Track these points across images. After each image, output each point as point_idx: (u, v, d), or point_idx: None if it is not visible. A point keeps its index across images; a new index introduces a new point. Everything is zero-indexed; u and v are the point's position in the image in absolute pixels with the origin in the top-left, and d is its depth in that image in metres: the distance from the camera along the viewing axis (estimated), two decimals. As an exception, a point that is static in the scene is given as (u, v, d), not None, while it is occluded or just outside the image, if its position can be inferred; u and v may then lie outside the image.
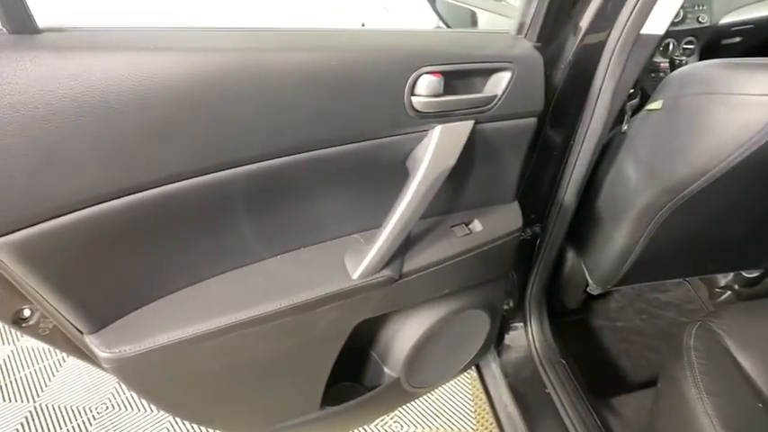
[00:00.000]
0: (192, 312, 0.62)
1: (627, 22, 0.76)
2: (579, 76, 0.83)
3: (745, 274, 1.26)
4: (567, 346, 1.19)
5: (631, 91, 0.93)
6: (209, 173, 0.54)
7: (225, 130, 0.53)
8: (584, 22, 0.80)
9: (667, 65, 1.39)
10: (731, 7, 1.42)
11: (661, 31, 0.80)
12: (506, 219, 0.86)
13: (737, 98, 0.73)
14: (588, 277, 1.13)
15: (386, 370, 0.92)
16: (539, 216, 1.04)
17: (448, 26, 1.62)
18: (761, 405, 0.78)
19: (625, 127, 0.95)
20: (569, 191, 0.96)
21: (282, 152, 0.58)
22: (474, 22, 1.43)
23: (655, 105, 0.87)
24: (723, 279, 1.31)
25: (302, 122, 0.57)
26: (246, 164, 0.56)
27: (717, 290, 1.34)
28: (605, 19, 0.79)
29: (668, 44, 1.39)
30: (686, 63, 1.41)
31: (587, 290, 1.19)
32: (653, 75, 1.39)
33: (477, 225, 0.82)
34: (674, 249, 1.09)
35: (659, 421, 0.91)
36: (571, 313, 1.34)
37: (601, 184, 1.03)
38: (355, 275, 0.69)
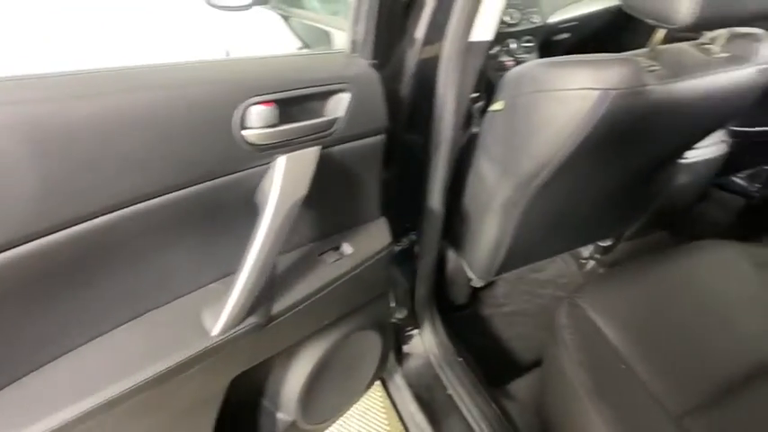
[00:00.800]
0: (13, 416, 0.52)
1: (456, 32, 0.79)
2: (423, 86, 0.85)
3: (601, 244, 1.40)
4: (462, 341, 1.23)
5: (476, 94, 0.98)
6: (11, 247, 0.46)
7: (28, 195, 0.45)
8: (419, 34, 0.82)
9: (513, 63, 1.49)
10: (557, 7, 1.57)
11: (488, 37, 0.85)
12: (375, 236, 0.85)
13: (561, 93, 0.79)
14: (469, 273, 1.18)
15: (279, 415, 0.86)
16: (412, 224, 1.06)
17: (308, 47, 1.60)
18: (623, 366, 0.86)
19: (475, 129, 1.00)
20: (435, 196, 0.98)
21: (102, 210, 0.51)
22: (329, 41, 1.43)
23: (497, 106, 0.92)
24: (586, 251, 1.45)
25: (119, 174, 0.50)
26: (60, 229, 0.48)
27: (582, 261, 1.48)
28: (437, 30, 0.81)
29: (509, 44, 1.49)
30: (529, 60, 1.53)
31: (472, 284, 1.24)
32: (501, 74, 1.49)
33: (346, 248, 0.80)
34: (540, 233, 1.17)
35: (547, 399, 0.96)
36: (462, 308, 1.39)
37: (464, 184, 1.08)
38: (215, 331, 0.63)
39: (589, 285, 1.00)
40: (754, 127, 1.44)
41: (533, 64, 0.88)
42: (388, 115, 0.74)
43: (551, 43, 1.61)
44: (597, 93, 0.74)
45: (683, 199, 1.40)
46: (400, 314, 1.17)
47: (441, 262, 1.22)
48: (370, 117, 0.71)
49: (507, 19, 1.45)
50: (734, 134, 1.38)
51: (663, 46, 0.83)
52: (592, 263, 1.46)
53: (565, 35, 1.62)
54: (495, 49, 1.46)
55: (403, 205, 1.01)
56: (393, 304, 1.15)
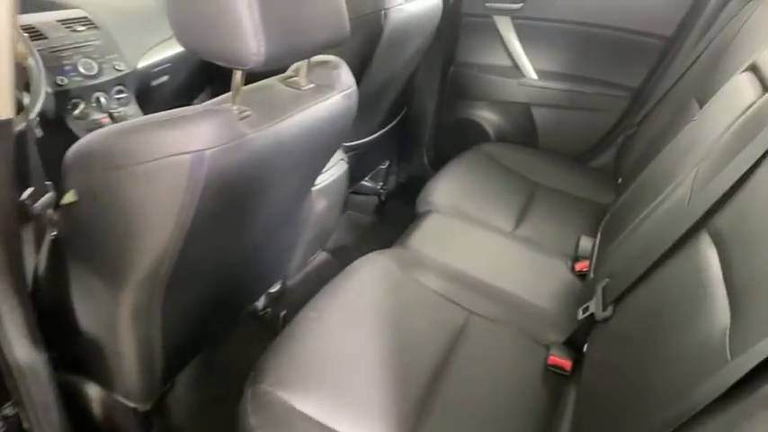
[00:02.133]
0: None
1: None
2: None
3: (271, 291, 1.32)
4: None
5: (30, 190, 0.70)
6: None
7: None
8: None
9: (109, 120, 1.25)
10: (143, 50, 1.39)
11: (8, 114, 0.59)
12: None
13: (148, 166, 0.63)
14: (129, 403, 0.89)
15: None
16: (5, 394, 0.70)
17: None
18: None
19: (54, 232, 0.73)
20: (17, 341, 0.66)
21: None
22: None
23: (69, 198, 0.68)
24: (259, 304, 1.34)
25: None
26: None
27: (258, 314, 1.35)
28: None
29: (99, 98, 1.23)
30: (129, 113, 1.29)
31: (138, 410, 0.95)
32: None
33: None
34: (197, 315, 0.98)
35: None
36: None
37: (71, 306, 0.79)
38: None
39: (266, 360, 0.87)
40: (359, 139, 1.63)
41: (98, 134, 0.67)
42: None
43: (151, 89, 1.42)
44: (190, 157, 0.62)
45: (329, 218, 1.46)
46: None
47: (81, 411, 0.89)
48: None
49: (83, 71, 1.19)
50: (347, 149, 1.52)
51: (248, 86, 0.76)
52: (267, 311, 1.36)
53: (163, 78, 1.46)
54: (81, 107, 1.18)
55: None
56: None
